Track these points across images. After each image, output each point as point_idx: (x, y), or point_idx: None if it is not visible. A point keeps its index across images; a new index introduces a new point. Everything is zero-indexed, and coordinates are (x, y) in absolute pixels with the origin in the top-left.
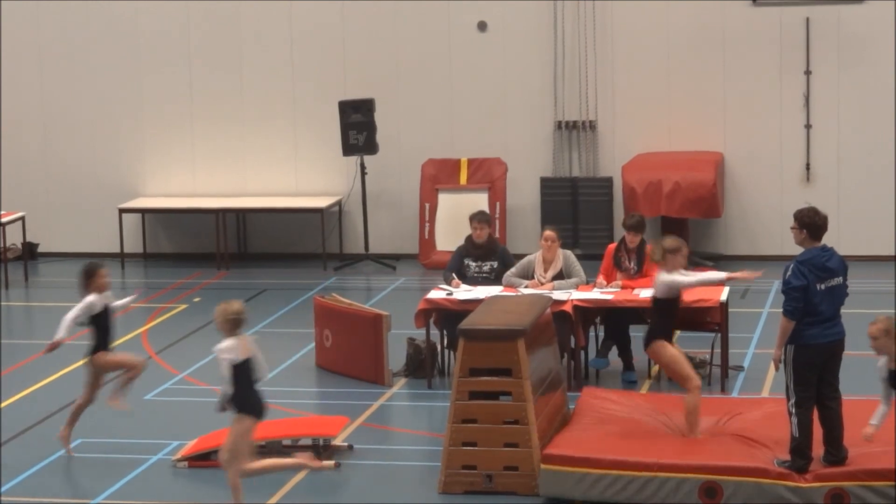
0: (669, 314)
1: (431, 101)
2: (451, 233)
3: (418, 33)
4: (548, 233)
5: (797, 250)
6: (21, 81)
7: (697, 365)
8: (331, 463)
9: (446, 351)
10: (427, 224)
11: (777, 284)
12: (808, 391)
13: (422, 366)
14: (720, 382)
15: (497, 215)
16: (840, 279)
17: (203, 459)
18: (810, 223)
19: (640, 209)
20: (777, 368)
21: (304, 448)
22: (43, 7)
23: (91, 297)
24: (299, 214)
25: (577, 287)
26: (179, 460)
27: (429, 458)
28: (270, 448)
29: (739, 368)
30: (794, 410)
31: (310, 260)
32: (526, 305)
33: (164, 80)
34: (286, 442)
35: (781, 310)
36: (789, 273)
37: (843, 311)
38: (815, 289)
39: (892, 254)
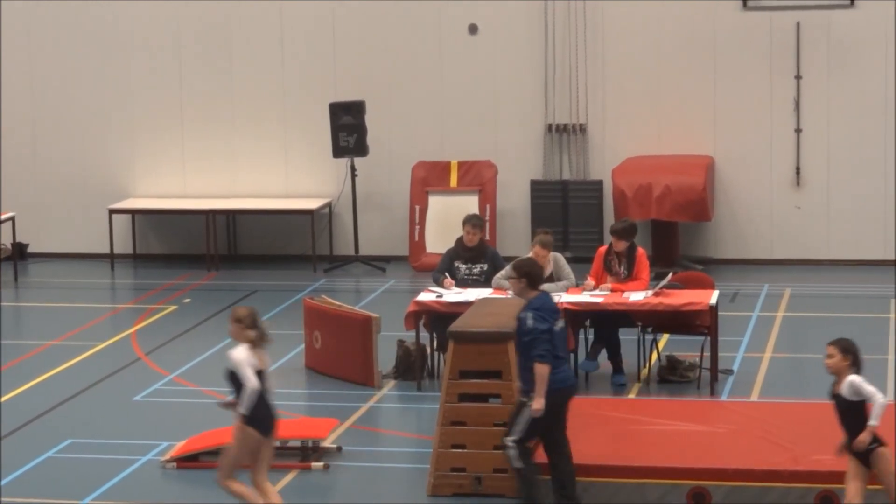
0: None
1: (422, 103)
2: (441, 235)
3: (409, 36)
4: (538, 249)
5: (787, 256)
6: (11, 82)
7: (687, 368)
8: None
9: (436, 353)
10: (417, 226)
11: (766, 288)
12: (536, 435)
13: (411, 368)
14: (709, 386)
15: (487, 218)
16: (563, 322)
17: (192, 460)
18: (529, 272)
19: (630, 213)
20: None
21: (293, 450)
22: (33, 9)
23: None
24: (289, 216)
25: (566, 290)
26: (168, 461)
27: (418, 460)
28: None
29: (729, 372)
30: (515, 446)
31: (300, 261)
32: (516, 308)
33: (155, 82)
34: (275, 443)
35: (534, 359)
36: (531, 321)
37: (834, 314)
38: (555, 330)
39: (882, 258)
